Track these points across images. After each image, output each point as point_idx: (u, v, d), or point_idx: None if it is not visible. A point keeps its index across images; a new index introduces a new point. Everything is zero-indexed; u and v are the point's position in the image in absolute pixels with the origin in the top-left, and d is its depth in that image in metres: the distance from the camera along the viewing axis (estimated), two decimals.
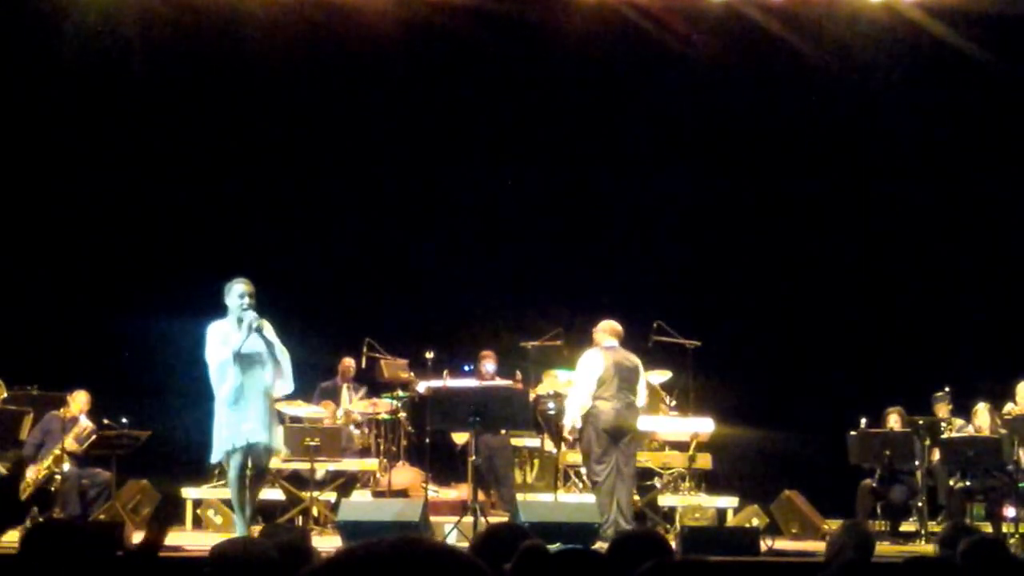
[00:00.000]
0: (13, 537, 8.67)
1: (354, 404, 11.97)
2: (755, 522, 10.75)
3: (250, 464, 8.55)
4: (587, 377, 9.74)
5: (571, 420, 9.84)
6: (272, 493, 10.61)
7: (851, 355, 13.14)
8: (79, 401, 10.34)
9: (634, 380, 9.88)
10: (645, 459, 11.16)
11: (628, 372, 9.83)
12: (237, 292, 8.41)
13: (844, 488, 11.03)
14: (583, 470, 11.77)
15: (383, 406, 11.88)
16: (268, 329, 8.51)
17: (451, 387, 11.04)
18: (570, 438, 10.29)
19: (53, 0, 12.44)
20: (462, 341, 12.41)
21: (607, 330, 9.94)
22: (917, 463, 10.69)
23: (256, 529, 8.64)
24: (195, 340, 8.84)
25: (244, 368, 8.39)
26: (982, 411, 10.80)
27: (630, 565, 3.31)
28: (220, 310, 8.62)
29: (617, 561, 3.82)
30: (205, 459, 10.15)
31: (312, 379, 11.59)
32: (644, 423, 10.26)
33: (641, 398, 9.96)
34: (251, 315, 8.35)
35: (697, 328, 11.59)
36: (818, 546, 9.16)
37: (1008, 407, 11.14)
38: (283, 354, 8.49)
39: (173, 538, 9.53)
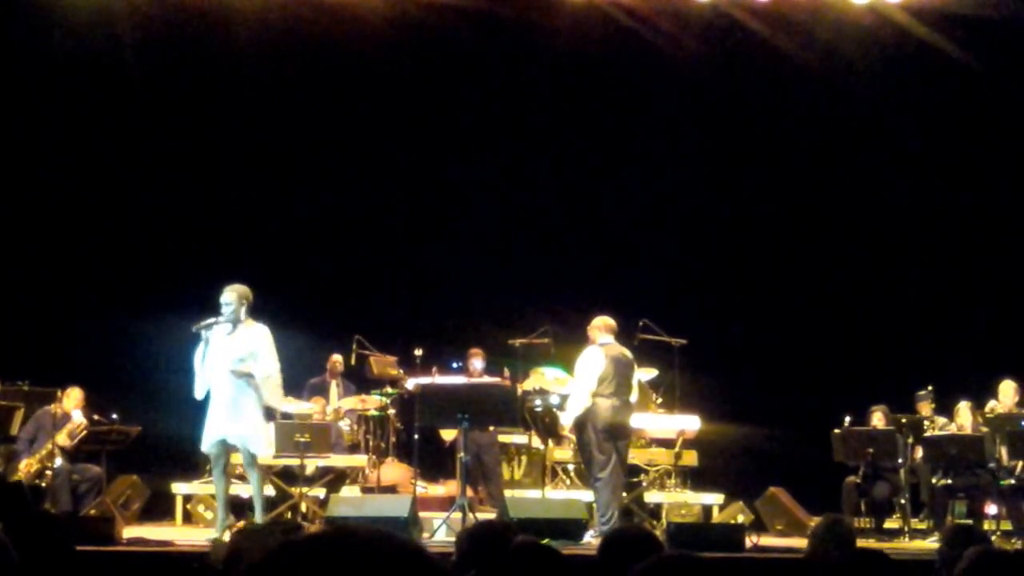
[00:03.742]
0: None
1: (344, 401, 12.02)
2: (740, 519, 10.83)
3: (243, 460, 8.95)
4: (589, 375, 9.53)
5: (572, 418, 9.64)
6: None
7: (836, 353, 13.22)
8: (73, 398, 10.36)
9: (630, 377, 9.75)
10: (631, 456, 11.17)
11: (625, 368, 9.69)
12: (221, 299, 8.84)
13: (829, 485, 11.12)
14: (571, 467, 11.88)
15: (372, 402, 11.93)
16: (254, 335, 8.81)
17: (440, 384, 11.09)
18: (571, 436, 10.22)
19: None
20: (451, 338, 12.46)
21: (602, 326, 9.77)
22: (900, 461, 10.77)
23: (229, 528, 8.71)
24: (186, 338, 8.96)
25: (213, 368, 8.78)
26: (964, 409, 10.88)
27: (622, 562, 3.39)
28: (213, 307, 8.83)
29: (609, 558, 3.90)
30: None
31: (301, 376, 11.65)
32: (632, 420, 10.13)
33: (634, 394, 9.85)
34: (221, 319, 8.77)
35: (683, 326, 11.65)
36: (803, 543, 9.16)
37: (990, 405, 11.27)
38: (264, 361, 8.78)
39: (164, 533, 9.60)
